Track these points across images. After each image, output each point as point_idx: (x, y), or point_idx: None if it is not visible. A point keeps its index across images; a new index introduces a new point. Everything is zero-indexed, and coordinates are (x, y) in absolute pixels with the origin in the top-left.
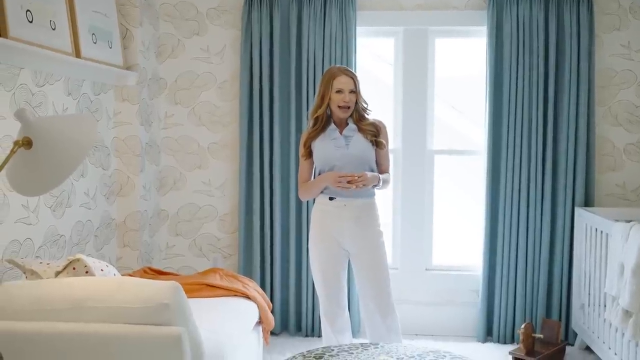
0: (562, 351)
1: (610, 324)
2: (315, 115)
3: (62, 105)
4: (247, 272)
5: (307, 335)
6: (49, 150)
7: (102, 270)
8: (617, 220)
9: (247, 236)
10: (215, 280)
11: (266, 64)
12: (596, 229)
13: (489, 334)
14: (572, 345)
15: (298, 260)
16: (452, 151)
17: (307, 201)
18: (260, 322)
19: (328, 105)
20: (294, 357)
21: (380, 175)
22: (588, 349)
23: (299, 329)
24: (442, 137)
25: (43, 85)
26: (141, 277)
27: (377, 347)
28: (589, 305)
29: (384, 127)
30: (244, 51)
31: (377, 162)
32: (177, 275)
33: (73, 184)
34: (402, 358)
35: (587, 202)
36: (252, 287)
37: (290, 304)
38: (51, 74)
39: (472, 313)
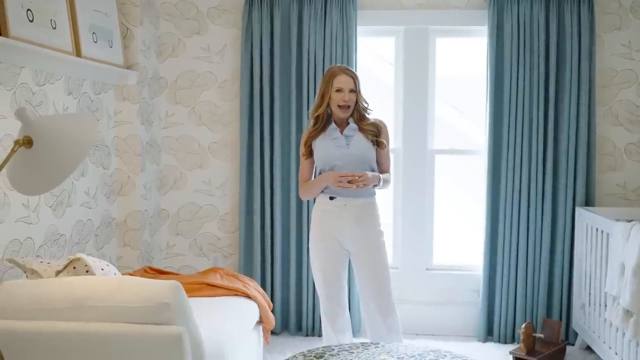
0: (562, 351)
1: (611, 324)
2: (316, 115)
3: (62, 105)
4: (248, 271)
5: (307, 335)
6: (49, 150)
7: (102, 269)
8: (617, 220)
9: (247, 236)
10: (216, 279)
11: (267, 64)
12: (597, 229)
13: (489, 333)
14: (573, 345)
15: (298, 259)
16: (452, 151)
17: (308, 201)
18: (260, 321)
19: (328, 104)
20: (294, 356)
21: (381, 175)
22: (589, 348)
23: (299, 328)
24: (442, 137)
25: (43, 85)
26: (142, 276)
27: (378, 347)
28: (589, 305)
29: (385, 126)
30: (244, 50)
31: (377, 162)
32: (177, 274)
33: (73, 183)
34: (403, 358)
35: (588, 202)
36: (253, 286)
37: (290, 304)
38: (52, 73)
39: (473, 313)
